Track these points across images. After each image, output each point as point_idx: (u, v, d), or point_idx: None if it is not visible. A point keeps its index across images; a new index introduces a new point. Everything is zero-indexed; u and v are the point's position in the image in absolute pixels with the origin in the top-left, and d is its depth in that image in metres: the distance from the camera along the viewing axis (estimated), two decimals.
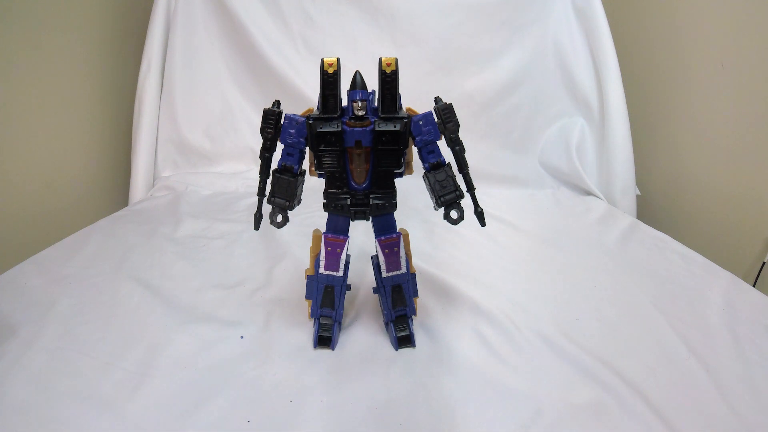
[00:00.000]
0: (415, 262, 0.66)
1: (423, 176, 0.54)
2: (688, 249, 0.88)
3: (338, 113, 0.52)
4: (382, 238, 0.56)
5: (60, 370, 0.53)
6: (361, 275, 0.74)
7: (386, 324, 0.60)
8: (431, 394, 0.51)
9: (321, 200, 0.56)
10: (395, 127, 0.51)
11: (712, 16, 1.06)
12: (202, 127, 1.30)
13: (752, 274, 0.96)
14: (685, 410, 0.48)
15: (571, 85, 1.28)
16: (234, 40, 1.27)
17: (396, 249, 0.57)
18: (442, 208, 0.53)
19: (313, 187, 0.60)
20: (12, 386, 0.50)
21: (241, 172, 1.28)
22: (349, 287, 0.59)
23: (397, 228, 0.58)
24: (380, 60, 0.52)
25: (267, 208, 0.53)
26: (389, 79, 0.51)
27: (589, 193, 1.22)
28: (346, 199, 0.55)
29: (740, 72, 1.00)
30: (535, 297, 0.70)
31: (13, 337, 0.58)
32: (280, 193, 0.53)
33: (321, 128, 0.52)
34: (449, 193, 0.53)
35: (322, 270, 0.57)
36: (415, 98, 0.60)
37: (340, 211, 0.55)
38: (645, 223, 1.03)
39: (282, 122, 0.53)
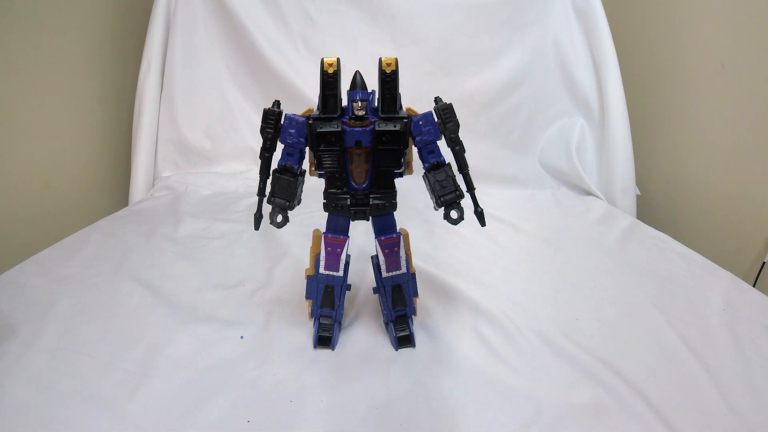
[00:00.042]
0: (415, 262, 0.66)
1: (423, 176, 0.54)
2: (688, 249, 0.88)
3: (338, 113, 0.52)
4: (382, 238, 0.56)
5: (60, 370, 0.53)
6: (361, 275, 0.74)
7: (386, 324, 0.60)
8: (431, 394, 0.51)
9: (321, 200, 0.56)
10: (395, 127, 0.51)
11: (712, 16, 1.06)
12: (202, 127, 1.30)
13: (752, 274, 0.96)
14: (685, 410, 0.48)
15: (571, 85, 1.28)
16: (234, 40, 1.27)
17: (396, 249, 0.57)
18: (442, 208, 0.53)
19: (313, 187, 0.60)
20: (12, 386, 0.50)
21: (241, 172, 1.28)
22: (349, 287, 0.59)
23: (397, 228, 0.58)
24: (380, 60, 0.52)
25: (267, 208, 0.53)
26: (389, 79, 0.51)
27: (589, 193, 1.22)
28: (346, 199, 0.55)
29: (740, 72, 1.00)
30: (535, 297, 0.70)
31: (13, 337, 0.58)
32: (280, 193, 0.53)
33: (321, 128, 0.52)
34: (449, 193, 0.53)
35: (322, 270, 0.57)
36: (415, 98, 0.60)
37: (340, 211, 0.55)
38: (645, 223, 1.03)
39: (282, 122, 0.53)
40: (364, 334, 0.61)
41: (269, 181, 0.54)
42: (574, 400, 0.50)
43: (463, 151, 0.53)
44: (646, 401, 0.49)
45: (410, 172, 0.57)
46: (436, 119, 0.53)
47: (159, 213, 1.05)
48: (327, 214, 0.56)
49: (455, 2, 1.25)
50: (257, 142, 0.66)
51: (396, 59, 0.52)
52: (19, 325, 0.60)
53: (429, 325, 0.62)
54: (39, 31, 1.00)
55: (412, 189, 0.76)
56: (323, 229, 0.57)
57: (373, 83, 0.53)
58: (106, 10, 1.20)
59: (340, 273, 0.57)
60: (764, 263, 0.94)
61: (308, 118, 0.52)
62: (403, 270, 0.57)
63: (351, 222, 0.56)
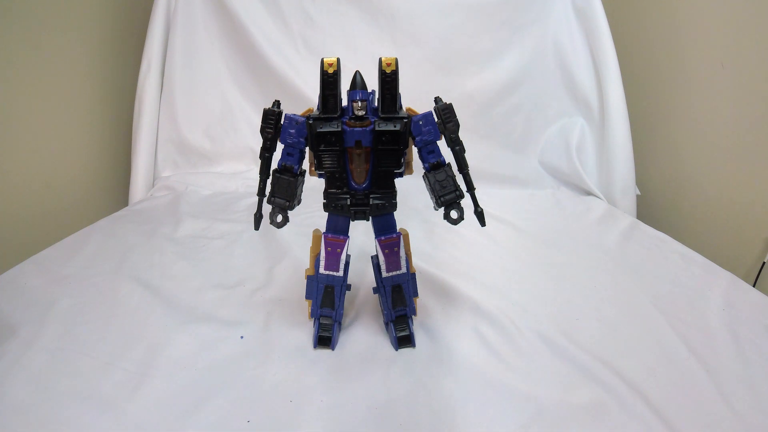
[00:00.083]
0: (415, 262, 0.66)
1: (423, 176, 0.54)
2: (688, 249, 0.88)
3: (338, 113, 0.52)
4: (382, 238, 0.56)
5: (60, 370, 0.53)
6: (361, 275, 0.74)
7: (386, 324, 0.60)
8: (431, 394, 0.51)
9: (321, 200, 0.56)
10: (395, 127, 0.51)
11: (712, 16, 1.06)
12: (202, 127, 1.30)
13: (752, 274, 0.96)
14: (685, 410, 0.48)
15: (571, 85, 1.28)
16: (234, 40, 1.27)
17: (396, 249, 0.57)
18: (442, 208, 0.53)
19: (313, 187, 0.60)
20: (12, 386, 0.50)
21: (241, 172, 1.28)
22: (349, 287, 0.59)
23: (397, 228, 0.58)
24: (380, 60, 0.52)
25: (267, 208, 0.53)
26: (389, 79, 0.51)
27: (589, 193, 1.22)
28: (346, 199, 0.55)
29: (740, 72, 1.00)
30: (535, 297, 0.70)
31: (13, 337, 0.58)
32: (280, 193, 0.53)
33: (321, 128, 0.52)
34: (449, 193, 0.53)
35: (322, 270, 0.57)
36: (415, 98, 0.60)
37: (340, 211, 0.55)
38: (645, 223, 1.03)
39: (282, 122, 0.53)
40: (364, 334, 0.61)
41: (269, 181, 0.54)
42: (574, 400, 0.50)
43: (463, 151, 0.53)
44: (646, 401, 0.49)
45: (410, 172, 0.57)
46: (436, 119, 0.53)
47: (159, 213, 1.05)
48: (327, 214, 0.56)
49: (455, 2, 1.25)
50: (257, 142, 0.66)
51: (396, 59, 0.52)
52: (19, 325, 0.60)
53: (429, 325, 0.62)
54: (39, 31, 0.99)
55: (412, 189, 0.76)
56: (323, 229, 0.57)
57: (373, 83, 0.53)
58: (106, 10, 1.20)
59: (340, 273, 0.57)
60: (764, 263, 0.94)
61: (308, 118, 0.52)
62: (403, 270, 0.57)
63: (351, 222, 0.56)
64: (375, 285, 0.60)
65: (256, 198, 0.56)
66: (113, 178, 1.25)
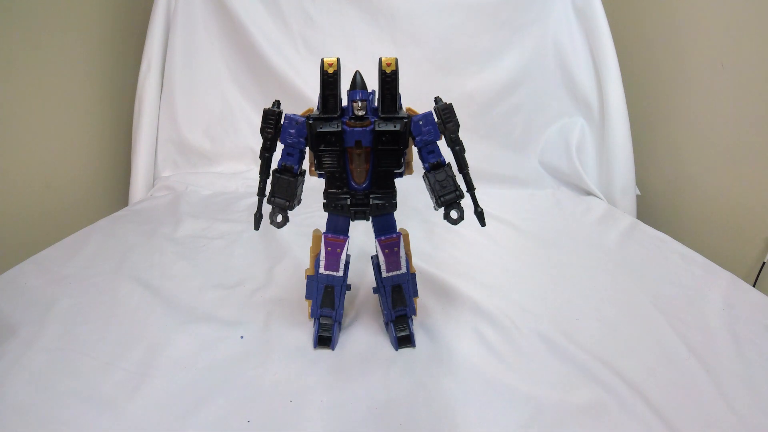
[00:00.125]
0: (415, 262, 0.66)
1: (423, 176, 0.54)
2: (688, 249, 0.88)
3: (338, 113, 0.52)
4: (382, 238, 0.56)
5: (60, 370, 0.53)
6: (361, 275, 0.74)
7: (386, 324, 0.60)
8: (431, 394, 0.51)
9: (321, 200, 0.56)
10: (395, 127, 0.51)
11: (712, 16, 1.06)
12: (202, 127, 1.29)
13: (752, 274, 0.96)
14: (685, 410, 0.48)
15: (571, 85, 1.28)
16: (234, 40, 1.27)
17: (396, 249, 0.57)
18: (442, 208, 0.53)
19: (313, 187, 0.60)
20: (12, 386, 0.50)
21: (241, 172, 1.28)
22: (349, 287, 0.59)
23: (397, 228, 0.58)
24: (380, 60, 0.52)
25: (267, 208, 0.53)
26: (389, 79, 0.51)
27: (589, 193, 1.22)
28: (346, 199, 0.55)
29: (740, 72, 1.00)
30: (535, 297, 0.70)
31: (13, 337, 0.58)
32: (280, 193, 0.53)
33: (321, 128, 0.52)
34: (449, 193, 0.53)
35: (322, 270, 0.57)
36: (415, 98, 0.60)
37: (340, 211, 0.55)
38: (645, 223, 1.03)
39: (282, 122, 0.53)
40: (364, 334, 0.61)
41: (269, 181, 0.54)
42: (574, 400, 0.50)
43: (463, 151, 0.53)
44: (646, 401, 0.49)
45: (410, 172, 0.57)
46: (436, 119, 0.53)
47: (159, 213, 1.05)
48: (327, 214, 0.56)
49: (455, 2, 1.25)
50: (257, 142, 0.66)
51: (396, 59, 0.52)
52: (19, 325, 0.60)
53: (429, 325, 0.62)
54: (39, 31, 0.99)
55: (412, 189, 0.76)
56: (323, 229, 0.57)
57: (373, 83, 0.53)
58: (106, 10, 1.20)
59: (340, 273, 0.57)
60: (764, 263, 0.94)
61: (308, 118, 0.52)
62: (403, 270, 0.57)
63: (351, 222, 0.56)
64: (375, 285, 0.60)
65: (256, 198, 0.56)
66: (113, 178, 1.25)
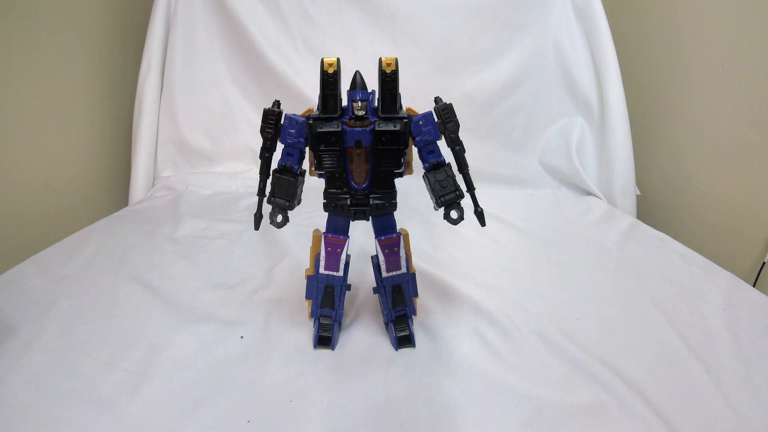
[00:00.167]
0: (415, 262, 0.66)
1: (423, 176, 0.54)
2: (688, 249, 0.88)
3: (338, 113, 0.52)
4: (382, 238, 0.56)
5: (60, 370, 0.53)
6: (361, 275, 0.74)
7: (386, 324, 0.60)
8: (431, 394, 0.51)
9: (321, 200, 0.56)
10: (395, 127, 0.51)
11: (712, 16, 1.06)
12: (202, 127, 1.30)
13: (752, 274, 0.96)
14: (685, 410, 0.48)
15: (571, 85, 1.28)
16: (234, 40, 1.27)
17: (396, 249, 0.57)
18: (442, 208, 0.53)
19: (313, 187, 0.60)
20: (12, 386, 0.50)
21: (241, 172, 1.28)
22: (349, 287, 0.59)
23: (397, 228, 0.58)
24: (380, 60, 0.52)
25: (267, 208, 0.53)
26: (389, 79, 0.51)
27: (589, 193, 1.22)
28: (346, 199, 0.55)
29: (740, 72, 1.00)
30: (535, 297, 0.70)
31: (13, 337, 0.58)
32: (280, 193, 0.53)
33: (321, 128, 0.52)
34: (449, 193, 0.53)
35: (322, 270, 0.57)
36: (415, 98, 0.60)
37: (340, 211, 0.55)
38: (645, 223, 1.03)
39: (282, 122, 0.53)
40: (364, 334, 0.60)
41: (269, 181, 0.54)
42: (574, 400, 0.50)
43: (463, 151, 0.53)
44: (646, 401, 0.49)
45: (410, 172, 0.57)
46: (436, 119, 0.53)
47: (159, 213, 1.05)
48: (327, 214, 0.56)
49: (455, 2, 1.25)
50: (257, 142, 0.66)
51: (396, 59, 0.52)
52: (19, 325, 0.60)
53: (429, 325, 0.62)
54: (39, 31, 0.99)
55: (412, 189, 0.76)
56: (323, 229, 0.57)
57: (373, 83, 0.53)
58: (106, 10, 1.20)
59: (340, 273, 0.57)
60: (764, 263, 0.94)
61: (308, 118, 0.52)
62: (403, 270, 0.57)
63: (351, 222, 0.56)
64: (375, 285, 0.60)
65: (256, 198, 0.56)
66: (113, 178, 1.25)
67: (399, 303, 0.58)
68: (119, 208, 1.11)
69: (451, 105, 0.53)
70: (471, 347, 0.58)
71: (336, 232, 0.56)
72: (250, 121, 1.30)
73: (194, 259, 0.81)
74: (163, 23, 1.24)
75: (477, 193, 0.54)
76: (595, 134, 1.26)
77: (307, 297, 0.58)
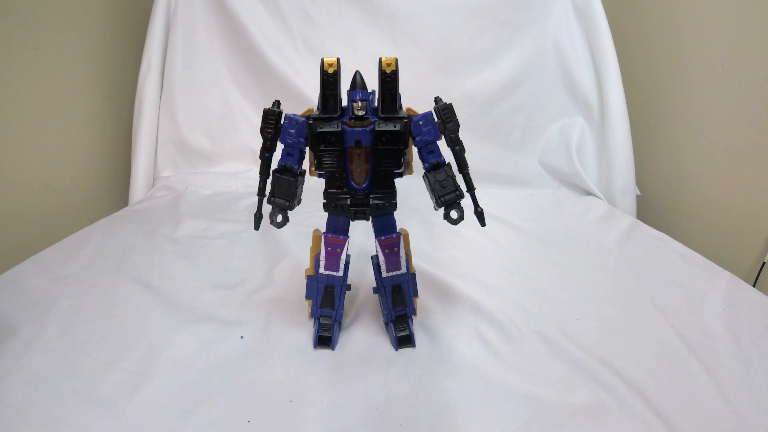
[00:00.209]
0: (415, 262, 0.66)
1: (423, 176, 0.54)
2: (688, 249, 0.88)
3: (338, 113, 0.52)
4: (382, 238, 0.56)
5: (60, 370, 0.53)
6: (361, 275, 0.74)
7: (386, 324, 0.60)
8: (431, 394, 0.51)
9: (321, 200, 0.56)
10: (395, 127, 0.51)
11: (712, 16, 1.06)
12: (202, 127, 1.30)
13: (752, 274, 0.96)
14: (685, 410, 0.48)
15: (571, 85, 1.28)
16: (234, 40, 1.27)
17: (396, 249, 0.57)
18: (442, 208, 0.53)
19: (313, 187, 0.60)
20: (12, 386, 0.50)
21: (241, 172, 1.28)
22: (349, 287, 0.59)
23: (397, 228, 0.58)
24: (380, 60, 0.52)
25: (267, 208, 0.53)
26: (389, 79, 0.51)
27: (589, 193, 1.22)
28: (346, 199, 0.55)
29: (740, 72, 1.00)
30: (535, 297, 0.70)
31: (13, 337, 0.58)
32: (280, 193, 0.53)
33: (321, 128, 0.52)
34: (449, 193, 0.53)
35: (322, 270, 0.57)
36: (415, 98, 0.60)
37: (340, 211, 0.55)
38: (645, 223, 1.03)
39: (282, 122, 0.53)
40: (364, 334, 0.60)
41: (269, 181, 0.54)
42: (574, 400, 0.50)
43: (463, 151, 0.53)
44: (646, 401, 0.49)
45: (410, 172, 0.57)
46: (436, 119, 0.53)
47: (159, 213, 1.05)
48: (327, 214, 0.56)
49: (455, 2, 1.25)
50: (257, 142, 0.66)
51: (396, 59, 0.52)
52: (19, 325, 0.60)
53: (429, 325, 0.62)
54: (39, 31, 0.99)
55: (412, 189, 0.76)
56: (323, 229, 0.57)
57: (373, 83, 0.53)
58: (106, 10, 1.20)
59: (340, 273, 0.57)
60: (764, 263, 0.94)
61: (308, 118, 0.52)
62: (403, 270, 0.57)
63: (351, 222, 0.56)
64: (375, 285, 0.60)
65: (256, 198, 0.56)
66: (113, 178, 1.25)
67: (399, 303, 0.58)
68: (119, 208, 1.11)
69: (451, 105, 0.53)
70: (471, 347, 0.58)
71: (336, 232, 0.56)
72: (250, 121, 1.30)
73: (194, 259, 0.81)
74: (163, 23, 1.24)
75: (477, 193, 0.54)
76: (595, 134, 1.26)
77: (307, 297, 0.58)
